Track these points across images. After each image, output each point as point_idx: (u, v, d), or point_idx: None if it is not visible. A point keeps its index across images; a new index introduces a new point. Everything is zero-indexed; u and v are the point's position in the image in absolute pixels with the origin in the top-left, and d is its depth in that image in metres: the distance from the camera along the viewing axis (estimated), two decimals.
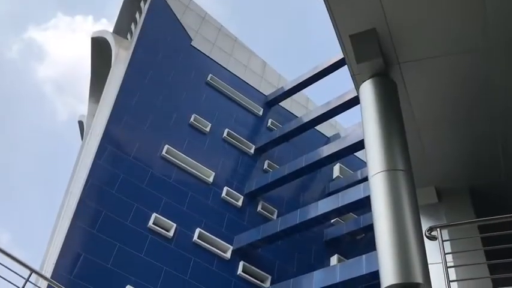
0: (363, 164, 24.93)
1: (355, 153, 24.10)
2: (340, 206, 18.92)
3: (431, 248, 5.53)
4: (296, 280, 17.32)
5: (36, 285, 9.49)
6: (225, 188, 21.37)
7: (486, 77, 7.06)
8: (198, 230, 19.15)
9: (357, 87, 7.15)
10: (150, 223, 18.06)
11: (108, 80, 25.16)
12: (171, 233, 18.37)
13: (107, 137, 19.32)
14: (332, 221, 22.41)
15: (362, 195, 18.18)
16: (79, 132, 33.01)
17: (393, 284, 5.06)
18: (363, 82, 6.88)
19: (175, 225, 18.65)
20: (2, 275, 7.69)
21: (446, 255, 5.17)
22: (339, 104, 22.96)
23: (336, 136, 26.83)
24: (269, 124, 25.85)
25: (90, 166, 18.18)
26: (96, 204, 17.38)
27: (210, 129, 22.88)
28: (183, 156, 20.88)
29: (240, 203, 21.43)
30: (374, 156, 6.10)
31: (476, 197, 8.34)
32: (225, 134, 23.31)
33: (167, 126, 21.54)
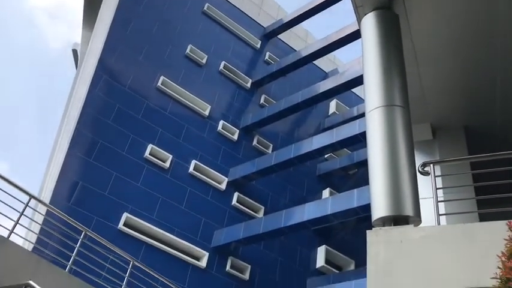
0: (359, 100, 24.92)
1: (352, 90, 24.01)
2: (334, 141, 19.11)
3: (424, 183, 5.66)
4: (288, 211, 17.83)
5: (35, 210, 9.73)
6: (221, 122, 21.43)
7: (490, 14, 6.90)
8: (193, 162, 19.42)
9: (359, 20, 6.99)
10: (147, 154, 18.25)
11: (101, 7, 24.35)
12: (167, 164, 18.63)
13: (102, 67, 19.03)
14: (326, 156, 22.73)
15: (357, 131, 18.32)
16: (73, 60, 32.43)
17: (384, 216, 5.23)
18: (365, 15, 6.72)
19: (171, 156, 18.87)
20: (2, 200, 7.86)
21: (437, 190, 5.30)
22: (338, 38, 22.51)
23: (334, 71, 26.57)
24: (267, 57, 25.46)
25: (85, 95, 18.04)
26: (92, 134, 17.44)
27: (206, 61, 22.54)
28: (178, 88, 20.72)
29: (235, 137, 21.58)
30: (372, 92, 6.09)
31: (470, 135, 8.44)
32: (221, 67, 23.01)
33: (162, 57, 21.18)
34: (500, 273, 3.28)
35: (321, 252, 19.44)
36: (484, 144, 8.18)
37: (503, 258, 3.35)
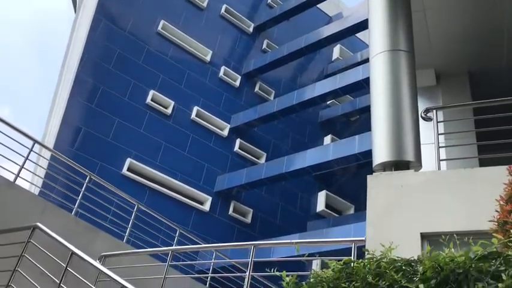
0: (363, 45, 24.44)
1: (356, 34, 23.51)
2: (337, 87, 18.98)
3: (426, 129, 5.67)
4: (290, 157, 18.00)
5: (39, 155, 9.83)
6: (223, 68, 21.18)
7: None
8: (195, 108, 19.40)
9: None
10: (148, 100, 18.20)
11: None
12: (169, 110, 18.63)
13: (101, 10, 18.58)
14: (328, 102, 22.64)
15: (360, 78, 18.15)
16: (72, 3, 31.62)
17: (385, 161, 5.28)
18: None
19: (173, 102, 18.82)
20: (6, 145, 7.93)
21: (439, 136, 5.31)
22: None
23: (339, 16, 25.88)
24: (269, 1, 24.76)
25: (85, 40, 17.75)
26: (93, 80, 17.33)
27: (207, 4, 21.96)
28: (179, 33, 20.33)
29: (237, 83, 21.41)
30: (377, 36, 5.98)
31: (475, 81, 8.35)
32: (222, 11, 22.44)
33: (162, 0, 20.63)
34: (498, 217, 3.34)
35: (321, 197, 19.80)
36: (488, 90, 8.10)
37: (502, 202, 3.40)
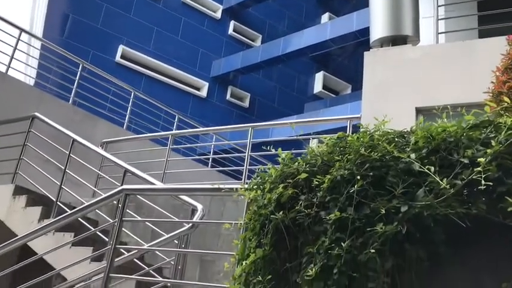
0: None
1: None
2: None
3: (425, 2, 5.43)
4: (286, 38, 17.57)
5: (29, 45, 9.58)
6: None
7: None
8: None
9: None
10: None
11: None
12: None
13: None
14: None
15: None
16: None
17: (382, 37, 5.16)
18: None
19: None
20: None
21: (439, 8, 5.11)
22: None
23: None
24: None
25: None
26: None
27: None
28: None
29: None
30: None
31: None
32: None
33: None
34: (493, 88, 3.32)
35: (319, 78, 19.73)
36: None
37: (498, 73, 3.35)
